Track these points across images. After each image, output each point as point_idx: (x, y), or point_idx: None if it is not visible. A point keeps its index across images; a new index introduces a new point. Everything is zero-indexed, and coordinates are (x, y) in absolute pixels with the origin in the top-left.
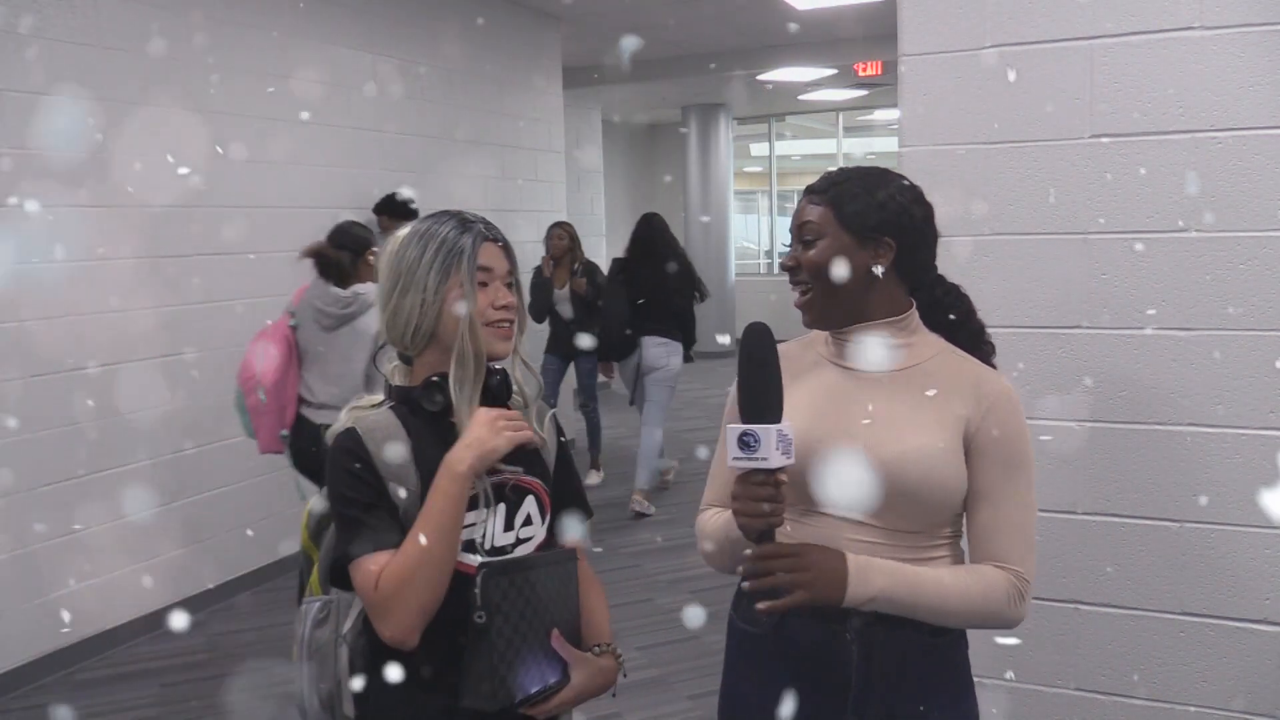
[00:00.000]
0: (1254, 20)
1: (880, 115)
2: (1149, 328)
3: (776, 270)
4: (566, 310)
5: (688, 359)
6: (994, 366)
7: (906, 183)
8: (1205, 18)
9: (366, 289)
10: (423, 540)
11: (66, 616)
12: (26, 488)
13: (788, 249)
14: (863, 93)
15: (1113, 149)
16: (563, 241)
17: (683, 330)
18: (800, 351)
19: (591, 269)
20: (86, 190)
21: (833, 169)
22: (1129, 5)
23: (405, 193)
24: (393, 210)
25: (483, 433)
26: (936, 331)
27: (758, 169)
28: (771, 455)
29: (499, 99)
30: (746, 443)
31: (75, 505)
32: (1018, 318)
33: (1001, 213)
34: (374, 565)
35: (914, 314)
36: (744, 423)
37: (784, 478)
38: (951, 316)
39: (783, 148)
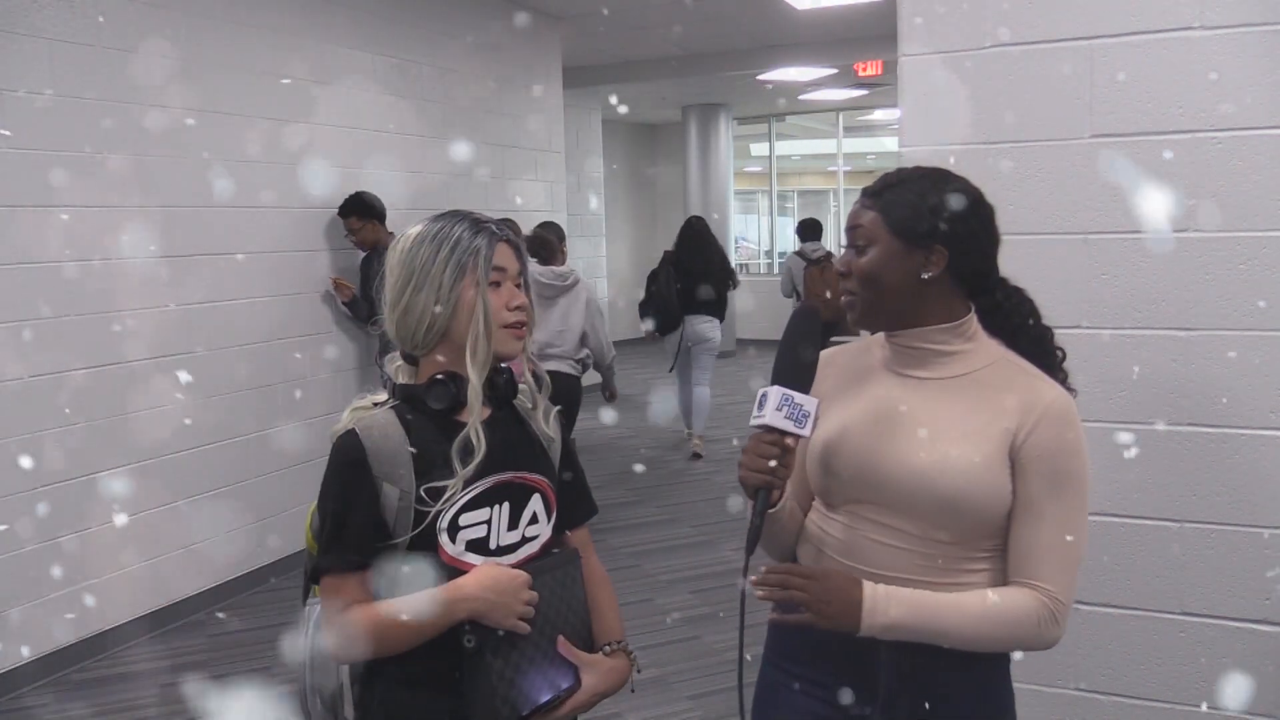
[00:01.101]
0: (1254, 20)
1: (880, 115)
2: (1149, 328)
3: (777, 270)
4: None
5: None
6: (1064, 372)
7: (963, 185)
8: (1205, 18)
9: (573, 268)
10: (398, 629)
11: (67, 616)
12: (27, 487)
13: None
14: (863, 93)
15: (1113, 149)
16: None
17: (718, 310)
18: (859, 351)
19: None
20: (88, 190)
21: (891, 169)
22: (1129, 5)
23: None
24: (361, 210)
25: (503, 598)
26: (998, 337)
27: (758, 169)
28: (769, 414)
29: (499, 99)
30: (760, 401)
31: (76, 505)
32: None
33: (1001, 213)
34: (339, 589)
35: (970, 320)
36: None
37: (791, 443)
38: (1013, 322)
39: (783, 148)
